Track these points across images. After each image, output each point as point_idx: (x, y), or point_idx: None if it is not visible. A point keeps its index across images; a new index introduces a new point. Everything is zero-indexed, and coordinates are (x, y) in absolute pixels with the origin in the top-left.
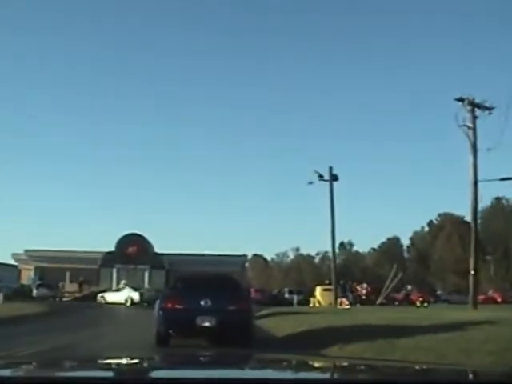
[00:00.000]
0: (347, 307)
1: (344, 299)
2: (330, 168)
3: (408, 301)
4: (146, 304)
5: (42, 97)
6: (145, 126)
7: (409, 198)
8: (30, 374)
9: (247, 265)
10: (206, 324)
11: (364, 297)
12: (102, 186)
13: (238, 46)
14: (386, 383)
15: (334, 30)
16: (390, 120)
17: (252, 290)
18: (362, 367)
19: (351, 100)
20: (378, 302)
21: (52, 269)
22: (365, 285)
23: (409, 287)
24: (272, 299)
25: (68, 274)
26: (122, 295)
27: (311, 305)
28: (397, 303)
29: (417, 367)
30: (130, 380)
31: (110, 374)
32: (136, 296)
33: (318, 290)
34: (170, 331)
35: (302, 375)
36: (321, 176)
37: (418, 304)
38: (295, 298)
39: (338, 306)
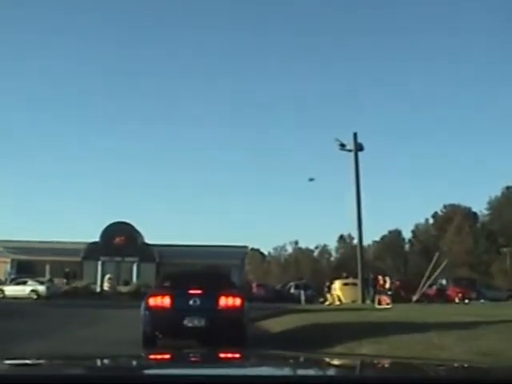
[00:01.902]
0: (388, 306)
1: (385, 297)
2: (355, 135)
3: (444, 297)
4: (46, 300)
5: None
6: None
7: (409, 190)
8: (21, 373)
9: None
10: (195, 324)
11: (389, 292)
12: (86, 171)
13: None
14: (387, 380)
15: None
16: (391, 111)
17: (254, 284)
18: (361, 364)
19: (352, 94)
20: (415, 298)
21: (30, 261)
22: (388, 279)
23: (443, 281)
24: (276, 295)
25: (48, 268)
26: (25, 288)
27: (328, 302)
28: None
29: (416, 364)
30: (122, 378)
31: (101, 372)
32: (43, 289)
33: (338, 284)
34: (157, 333)
35: (300, 372)
36: (342, 145)
37: (457, 301)
38: (303, 293)
39: (376, 305)
